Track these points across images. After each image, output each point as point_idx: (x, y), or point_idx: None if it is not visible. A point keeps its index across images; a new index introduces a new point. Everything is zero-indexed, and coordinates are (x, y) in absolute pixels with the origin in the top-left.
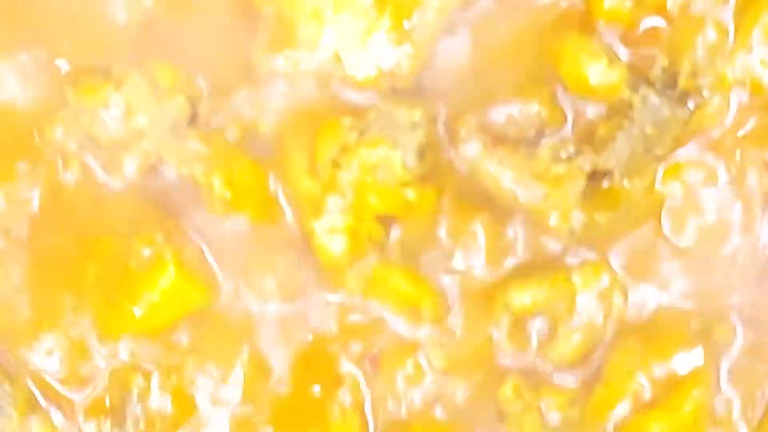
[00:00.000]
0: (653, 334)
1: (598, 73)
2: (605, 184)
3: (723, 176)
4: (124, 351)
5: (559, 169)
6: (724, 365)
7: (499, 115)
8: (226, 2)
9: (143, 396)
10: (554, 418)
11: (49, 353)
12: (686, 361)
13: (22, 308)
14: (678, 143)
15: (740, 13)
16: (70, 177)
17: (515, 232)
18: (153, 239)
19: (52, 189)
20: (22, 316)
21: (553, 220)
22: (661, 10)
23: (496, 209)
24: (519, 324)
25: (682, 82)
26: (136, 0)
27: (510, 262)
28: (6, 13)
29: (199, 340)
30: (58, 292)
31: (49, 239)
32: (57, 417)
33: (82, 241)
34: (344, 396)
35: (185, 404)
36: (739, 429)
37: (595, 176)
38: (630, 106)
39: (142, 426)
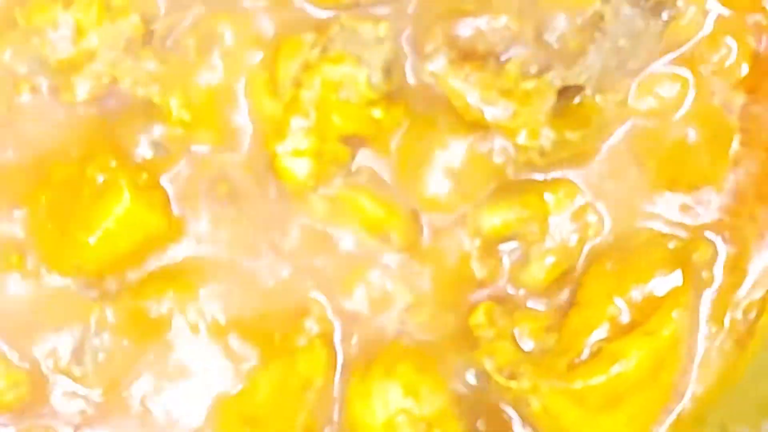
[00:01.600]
0: (630, 255)
1: None
2: (576, 100)
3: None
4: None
5: (528, 85)
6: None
7: (466, 28)
8: None
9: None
10: (528, 344)
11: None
12: (665, 282)
13: None
14: (652, 56)
15: None
16: (20, 101)
17: (483, 151)
18: (107, 165)
19: (2, 114)
20: None
21: (522, 138)
22: None
23: (463, 127)
24: (490, 248)
25: None
26: None
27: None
28: None
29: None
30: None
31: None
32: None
33: (32, 168)
34: (311, 325)
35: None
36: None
37: (565, 92)
38: (602, 17)
39: (101, 359)
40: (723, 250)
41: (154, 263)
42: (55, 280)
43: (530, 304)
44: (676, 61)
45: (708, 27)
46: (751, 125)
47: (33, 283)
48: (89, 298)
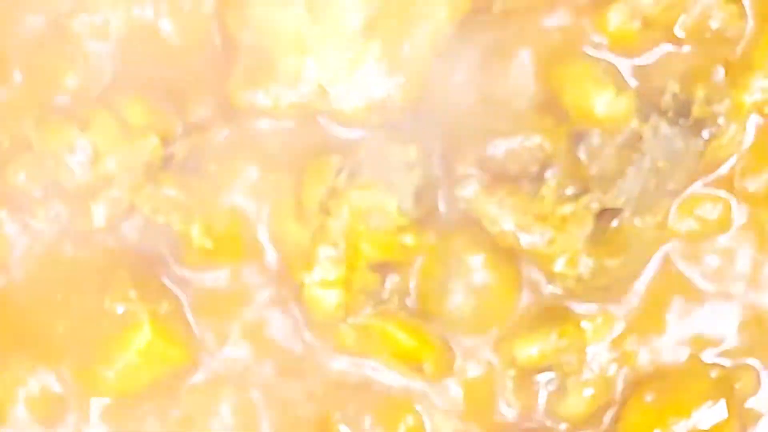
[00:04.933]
0: (671, 386)
1: (604, 101)
2: (614, 223)
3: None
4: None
5: (565, 209)
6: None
7: (498, 149)
8: (200, 31)
9: None
10: None
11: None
12: (708, 415)
13: None
14: (692, 177)
15: (758, 33)
16: (34, 227)
17: (519, 279)
18: (126, 295)
19: (13, 239)
20: None
21: (559, 266)
22: (670, 33)
23: (498, 255)
24: (525, 378)
25: (696, 110)
26: (103, 30)
27: (514, 312)
28: None
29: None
30: (20, 356)
31: (10, 296)
32: None
33: (48, 298)
34: None
35: None
36: None
37: (603, 215)
38: (640, 137)
39: None
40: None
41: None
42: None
43: None
44: (716, 182)
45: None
46: None
47: None
48: None
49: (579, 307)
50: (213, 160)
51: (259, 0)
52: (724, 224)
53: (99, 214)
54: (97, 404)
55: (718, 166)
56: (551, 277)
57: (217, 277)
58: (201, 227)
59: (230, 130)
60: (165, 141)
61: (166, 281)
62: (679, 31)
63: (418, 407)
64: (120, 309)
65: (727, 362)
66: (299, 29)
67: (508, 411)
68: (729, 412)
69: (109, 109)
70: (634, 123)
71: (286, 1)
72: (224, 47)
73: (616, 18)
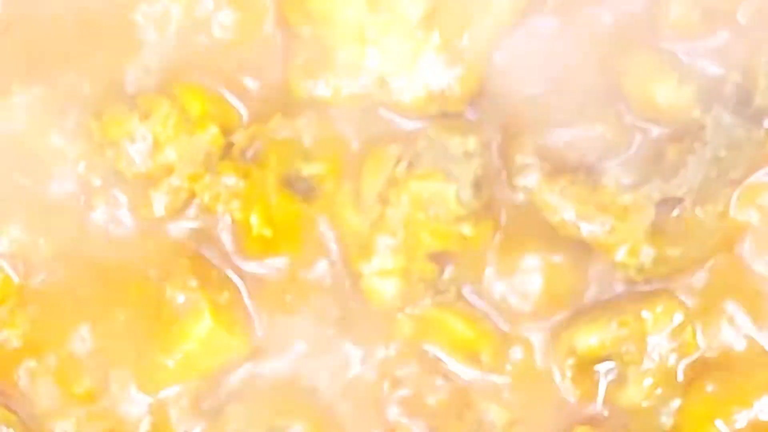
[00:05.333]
0: (732, 375)
1: (666, 91)
2: (675, 213)
3: None
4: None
5: (626, 198)
6: None
7: (558, 139)
8: (259, 21)
9: None
10: None
11: None
12: None
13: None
14: (754, 166)
15: None
16: (94, 216)
17: (580, 268)
18: (187, 284)
19: (76, 228)
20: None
21: (620, 255)
22: (732, 21)
23: (558, 244)
24: (585, 368)
25: (758, 98)
26: (163, 21)
27: (575, 301)
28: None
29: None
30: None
31: (73, 284)
32: None
33: (109, 287)
34: None
35: None
36: None
37: (664, 205)
38: (701, 127)
39: None
40: None
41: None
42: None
43: (628, 427)
44: None
45: None
46: None
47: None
48: None
49: (640, 297)
50: (272, 149)
51: None
52: None
53: (159, 202)
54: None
55: None
56: (612, 266)
57: (276, 266)
58: (260, 216)
59: (289, 119)
60: (225, 131)
61: (227, 271)
62: (741, 18)
63: (477, 398)
64: (181, 298)
65: None
66: (359, 20)
67: (566, 400)
68: None
69: (170, 98)
70: (696, 113)
71: None
72: (284, 38)
73: (677, 8)
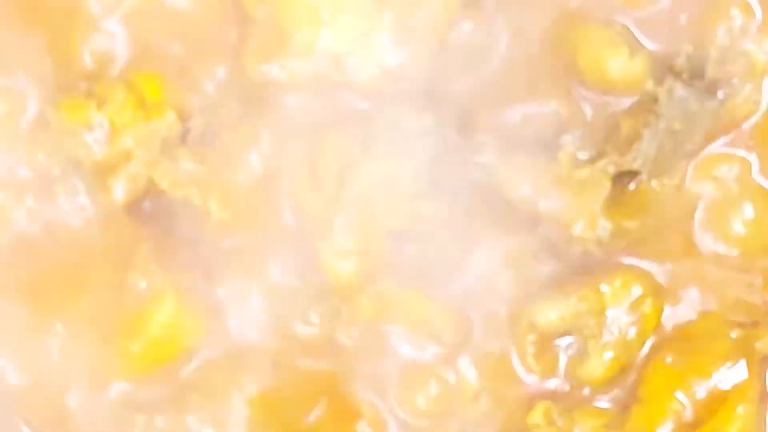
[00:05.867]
0: (691, 347)
1: (618, 64)
2: (631, 186)
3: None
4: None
5: (582, 173)
6: None
7: (514, 116)
8: (214, 5)
9: None
10: None
11: None
12: (728, 375)
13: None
14: (709, 137)
15: None
16: (53, 205)
17: (538, 243)
18: (148, 269)
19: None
20: None
21: (578, 230)
22: None
23: (516, 220)
24: (545, 343)
25: (710, 70)
26: (116, 8)
27: (533, 276)
28: None
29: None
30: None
31: (33, 272)
32: None
33: (70, 274)
34: (363, 429)
35: None
36: None
37: (620, 178)
38: (655, 99)
39: None
40: None
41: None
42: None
43: (589, 400)
44: (733, 142)
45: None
46: None
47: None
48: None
49: (598, 271)
50: (229, 133)
51: None
52: (743, 184)
53: (118, 189)
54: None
55: (735, 126)
56: (570, 240)
57: (238, 248)
58: (219, 200)
59: (244, 103)
60: (181, 116)
61: (189, 255)
62: None
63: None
64: (143, 284)
65: (747, 322)
66: (312, 1)
67: (528, 376)
68: (749, 371)
69: (126, 85)
70: (649, 85)
71: None
72: (238, 21)
73: None
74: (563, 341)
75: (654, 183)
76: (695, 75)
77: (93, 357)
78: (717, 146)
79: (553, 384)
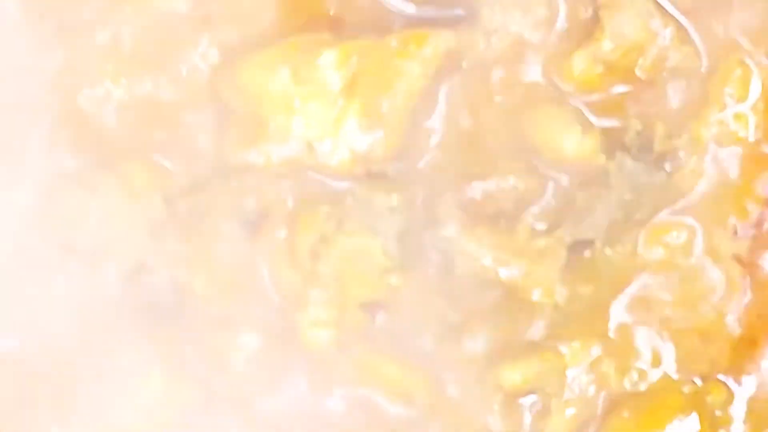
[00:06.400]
0: (647, 402)
1: (572, 142)
2: (586, 253)
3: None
4: None
5: (540, 243)
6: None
7: (476, 191)
8: (196, 97)
9: None
10: None
11: None
12: (681, 427)
13: None
14: (657, 207)
15: (711, 71)
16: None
17: (501, 309)
18: (137, 345)
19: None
20: None
21: (536, 296)
22: (630, 75)
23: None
24: (511, 402)
25: (658, 144)
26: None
27: (498, 340)
28: None
29: None
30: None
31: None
32: None
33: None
34: None
35: None
36: None
37: (575, 247)
38: (606, 173)
39: None
40: (737, 390)
41: None
42: None
43: None
44: (681, 211)
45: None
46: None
47: None
48: None
49: (558, 333)
50: (212, 214)
51: (247, 66)
52: (688, 250)
53: (110, 271)
54: None
55: (683, 195)
56: (530, 306)
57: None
58: (205, 278)
59: (226, 186)
60: (167, 200)
61: (177, 330)
62: (639, 73)
63: None
64: (132, 357)
65: (698, 378)
66: (286, 92)
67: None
68: (701, 424)
69: (115, 173)
70: (601, 160)
71: (273, 67)
72: (218, 111)
73: (580, 64)
74: (527, 400)
75: (608, 250)
76: (644, 149)
77: None
78: (666, 214)
79: None
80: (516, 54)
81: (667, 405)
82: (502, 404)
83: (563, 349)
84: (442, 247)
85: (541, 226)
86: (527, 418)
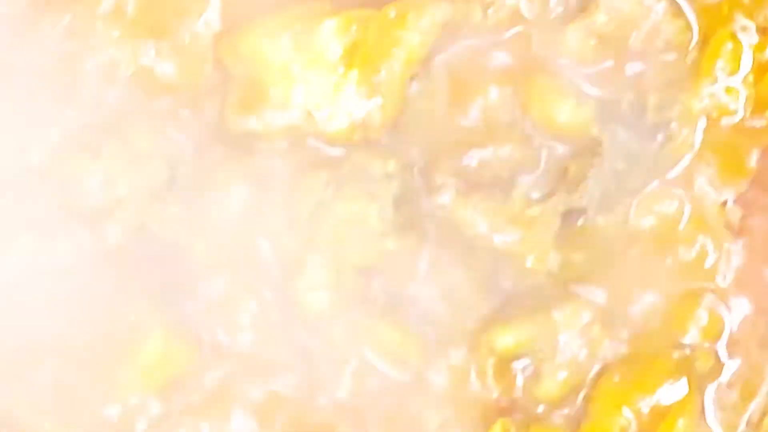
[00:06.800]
0: (637, 367)
1: (566, 112)
2: (579, 222)
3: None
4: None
5: (534, 211)
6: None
7: (472, 159)
8: (198, 65)
9: None
10: None
11: None
12: (671, 392)
13: None
14: (649, 177)
15: (703, 43)
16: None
17: (494, 275)
18: (138, 305)
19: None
20: None
21: (530, 262)
22: (624, 48)
23: (474, 254)
24: (504, 365)
25: (650, 116)
26: (110, 71)
27: (491, 305)
28: None
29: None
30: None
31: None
32: None
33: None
34: None
35: None
36: None
37: (569, 215)
38: (599, 143)
39: None
40: (726, 359)
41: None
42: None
43: (544, 416)
44: (672, 180)
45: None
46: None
47: None
48: None
49: (550, 299)
50: (213, 179)
51: (249, 34)
52: (678, 219)
53: (113, 233)
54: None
55: (674, 165)
56: (524, 272)
57: (222, 286)
58: (205, 241)
59: (225, 152)
60: (169, 164)
61: (177, 292)
62: (632, 45)
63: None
64: (132, 317)
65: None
66: (286, 60)
67: (488, 395)
68: (689, 388)
69: (119, 137)
70: (594, 130)
71: (274, 35)
72: (220, 78)
73: (574, 36)
74: (520, 363)
75: (600, 219)
76: (636, 120)
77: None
78: (658, 184)
79: (511, 402)
80: (512, 26)
81: (656, 370)
82: (494, 367)
83: (556, 314)
84: (438, 213)
85: (536, 194)
86: (519, 381)
